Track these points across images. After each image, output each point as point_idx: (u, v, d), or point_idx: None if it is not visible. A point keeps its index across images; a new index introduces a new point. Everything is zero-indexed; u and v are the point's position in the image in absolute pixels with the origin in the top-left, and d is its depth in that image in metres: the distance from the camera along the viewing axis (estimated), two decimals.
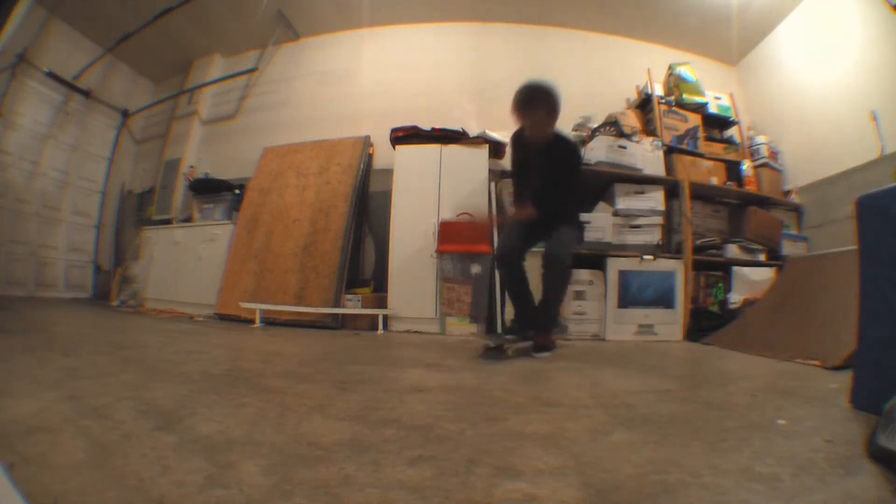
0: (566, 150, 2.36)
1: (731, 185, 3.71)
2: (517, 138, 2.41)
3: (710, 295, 3.39)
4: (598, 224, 3.25)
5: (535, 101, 2.14)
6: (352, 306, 3.53)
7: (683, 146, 3.77)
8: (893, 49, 2.91)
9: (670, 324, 3.12)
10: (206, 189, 4.58)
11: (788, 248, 3.59)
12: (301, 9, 4.62)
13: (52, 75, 4.64)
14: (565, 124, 3.79)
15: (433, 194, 3.50)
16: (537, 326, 2.33)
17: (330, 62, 4.81)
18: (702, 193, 3.61)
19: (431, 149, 3.60)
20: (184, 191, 4.93)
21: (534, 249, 2.49)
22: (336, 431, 0.96)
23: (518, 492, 0.69)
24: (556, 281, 2.30)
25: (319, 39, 4.91)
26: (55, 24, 4.58)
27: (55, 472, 0.71)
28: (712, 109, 4.09)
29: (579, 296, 3.13)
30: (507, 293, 2.50)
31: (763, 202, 3.72)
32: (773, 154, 3.99)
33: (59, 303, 4.46)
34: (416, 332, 3.29)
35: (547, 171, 2.31)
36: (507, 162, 4.01)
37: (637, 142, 3.52)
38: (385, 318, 3.34)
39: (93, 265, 5.37)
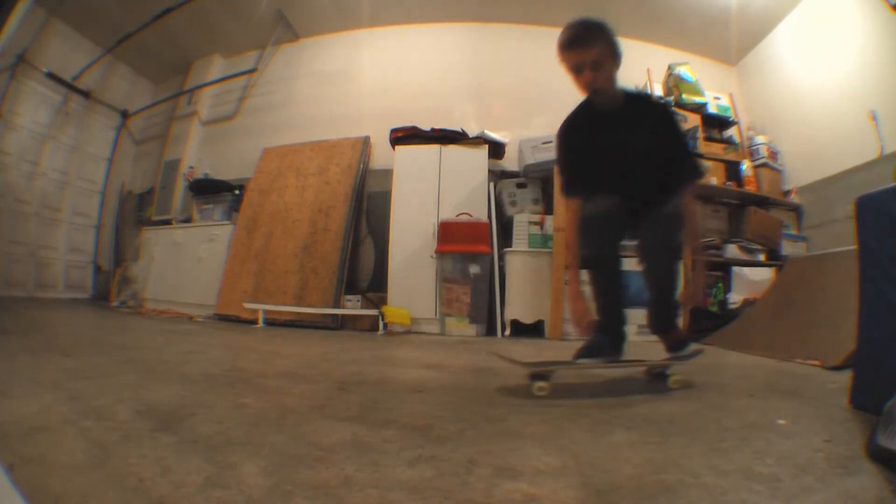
0: (651, 105, 1.68)
1: (731, 185, 3.71)
2: (569, 125, 1.68)
3: (710, 295, 3.39)
4: None
5: (584, 34, 1.54)
6: (351, 307, 3.53)
7: None
8: (893, 49, 2.91)
9: None
10: (206, 189, 4.58)
11: (788, 248, 3.59)
12: (301, 9, 4.62)
13: (51, 76, 4.64)
14: None
15: (433, 195, 3.51)
16: (660, 326, 1.68)
17: (330, 62, 4.82)
18: (701, 193, 3.61)
19: (431, 149, 3.60)
20: (183, 191, 4.93)
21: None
22: (336, 432, 0.96)
23: (518, 492, 0.69)
24: (663, 272, 1.60)
25: (319, 40, 4.91)
26: (55, 24, 4.58)
27: (55, 472, 0.71)
28: (712, 109, 4.09)
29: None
30: (601, 301, 1.62)
31: (763, 202, 3.72)
32: (773, 154, 3.99)
33: (58, 303, 4.46)
34: (415, 332, 3.29)
35: (628, 144, 1.57)
36: (508, 162, 4.02)
37: None
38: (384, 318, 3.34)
39: (93, 265, 5.37)
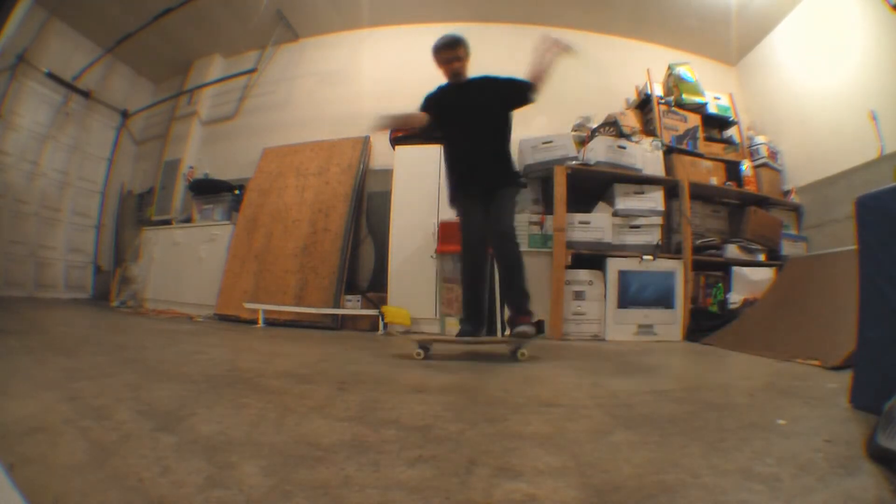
0: (491, 78, 2.43)
1: (731, 185, 3.71)
2: (435, 95, 2.47)
3: (710, 295, 3.39)
4: (598, 224, 3.25)
5: (454, 41, 2.40)
6: (351, 307, 3.53)
7: (683, 146, 3.78)
8: (893, 49, 2.91)
9: (670, 324, 3.12)
10: (206, 189, 4.58)
11: (788, 248, 3.59)
12: (300, 9, 4.62)
13: (51, 76, 4.64)
14: (565, 124, 3.80)
15: (433, 195, 3.50)
16: (514, 308, 2.23)
17: (330, 62, 4.81)
18: (701, 193, 3.61)
19: (431, 149, 3.59)
20: (183, 191, 4.93)
21: None
22: (336, 432, 0.96)
23: (518, 492, 0.69)
24: (513, 258, 2.21)
25: (319, 40, 4.91)
26: (55, 24, 4.58)
27: (55, 472, 0.71)
28: (712, 109, 4.09)
29: (579, 296, 3.13)
30: (465, 282, 2.33)
31: (763, 202, 3.72)
32: (773, 154, 3.99)
33: (58, 303, 4.46)
34: (415, 332, 3.29)
35: (474, 112, 2.33)
36: None
37: (636, 142, 3.52)
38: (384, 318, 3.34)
39: (93, 266, 5.37)
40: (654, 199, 3.32)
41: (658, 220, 3.31)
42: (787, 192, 3.90)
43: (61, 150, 4.96)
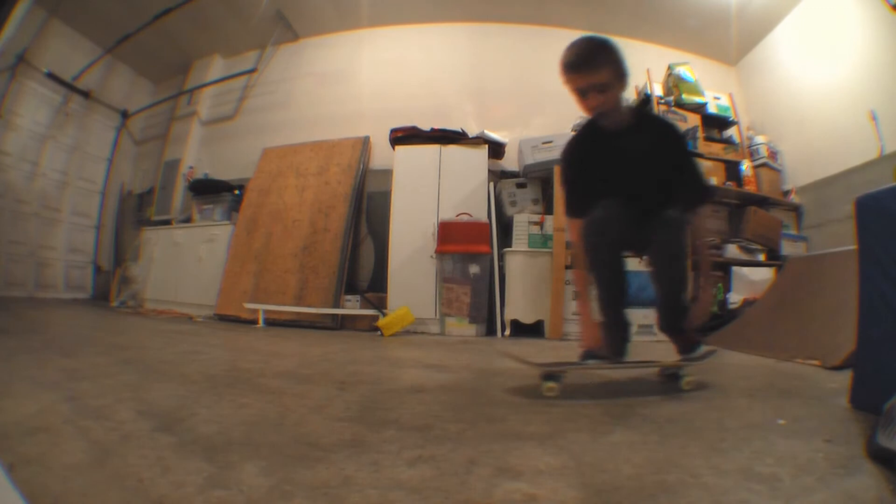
0: (664, 127, 1.64)
1: (731, 185, 3.70)
2: (576, 147, 1.69)
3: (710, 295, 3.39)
4: None
5: (590, 55, 1.40)
6: (351, 307, 3.53)
7: None
8: (893, 49, 2.91)
9: None
10: (206, 190, 4.58)
11: (788, 248, 3.59)
12: (300, 9, 4.62)
13: (51, 76, 4.64)
14: (565, 124, 3.80)
15: (433, 195, 3.51)
16: (672, 327, 1.67)
17: (329, 62, 4.81)
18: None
19: (431, 149, 3.60)
20: (183, 191, 4.93)
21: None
22: (336, 432, 0.96)
23: (518, 492, 0.69)
24: (674, 272, 1.58)
25: (319, 40, 4.91)
26: (55, 24, 4.58)
27: (55, 472, 0.71)
28: (711, 109, 4.09)
29: (578, 296, 3.12)
30: (604, 301, 1.61)
31: (762, 202, 3.72)
32: (773, 154, 3.99)
33: (58, 303, 4.46)
34: (415, 332, 3.29)
35: (640, 166, 1.53)
36: (508, 162, 4.02)
37: None
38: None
39: (92, 266, 5.37)
40: None
41: None
42: (787, 192, 3.90)
43: (61, 151, 4.96)
